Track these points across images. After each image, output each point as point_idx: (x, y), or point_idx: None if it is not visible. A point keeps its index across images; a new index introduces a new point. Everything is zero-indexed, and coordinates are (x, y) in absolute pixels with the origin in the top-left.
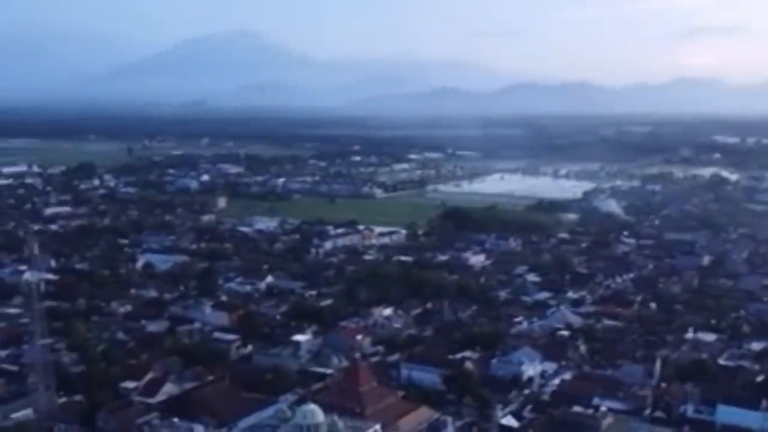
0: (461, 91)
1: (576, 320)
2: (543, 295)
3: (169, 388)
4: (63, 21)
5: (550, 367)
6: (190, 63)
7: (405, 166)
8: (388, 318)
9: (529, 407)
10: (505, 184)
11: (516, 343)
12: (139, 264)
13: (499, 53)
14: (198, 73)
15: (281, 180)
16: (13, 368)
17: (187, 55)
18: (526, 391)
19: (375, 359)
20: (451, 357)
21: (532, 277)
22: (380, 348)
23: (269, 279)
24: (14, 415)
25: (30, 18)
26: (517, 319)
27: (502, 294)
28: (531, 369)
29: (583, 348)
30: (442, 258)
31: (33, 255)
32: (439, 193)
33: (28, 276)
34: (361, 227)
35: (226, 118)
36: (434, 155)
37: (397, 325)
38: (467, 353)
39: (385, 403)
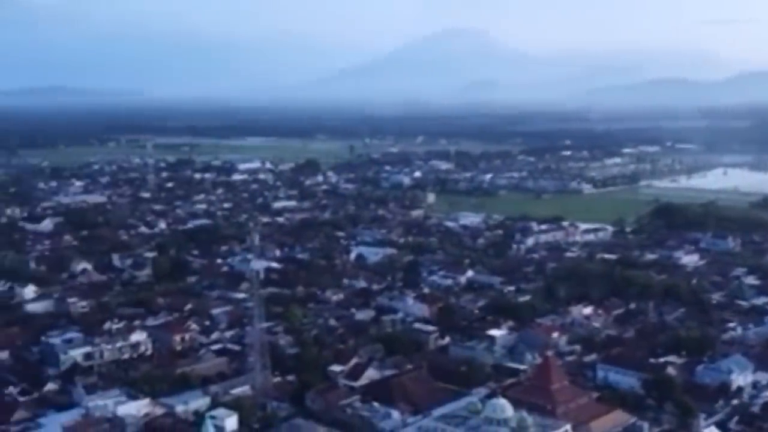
0: (686, 81)
1: None
2: (762, 300)
3: (371, 374)
4: (297, 27)
5: (764, 377)
6: (411, 63)
7: (618, 160)
8: (587, 317)
9: (735, 419)
10: (727, 180)
11: (727, 350)
12: (352, 256)
13: (730, 41)
14: (418, 72)
15: (488, 176)
16: (236, 348)
17: (408, 56)
18: (734, 402)
19: (570, 358)
20: (652, 361)
21: (751, 280)
22: (577, 347)
23: (470, 273)
24: (234, 391)
25: (267, 26)
26: (730, 325)
27: (716, 297)
28: (741, 378)
29: None
30: (651, 257)
31: (255, 245)
32: (653, 189)
33: (253, 264)
34: (565, 223)
35: (441, 116)
36: (651, 149)
37: (596, 325)
38: (671, 358)
39: (578, 403)
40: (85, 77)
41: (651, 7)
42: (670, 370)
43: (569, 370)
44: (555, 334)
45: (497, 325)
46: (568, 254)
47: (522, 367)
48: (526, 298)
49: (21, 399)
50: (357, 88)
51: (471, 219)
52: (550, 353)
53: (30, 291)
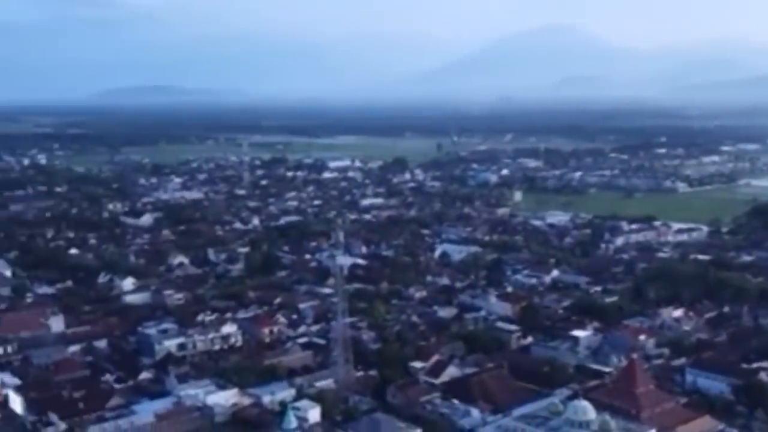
0: None
1: None
2: None
3: (451, 371)
4: (391, 26)
5: None
6: (503, 59)
7: (715, 158)
8: (677, 319)
9: None
10: None
11: None
12: (437, 253)
13: None
14: (511, 69)
15: (578, 174)
16: (321, 342)
17: (501, 52)
18: None
19: (658, 362)
20: (744, 366)
21: None
22: (665, 350)
23: (555, 273)
24: (317, 384)
25: (361, 26)
26: None
27: None
28: None
29: None
30: (747, 258)
31: (339, 242)
32: (751, 188)
33: (338, 261)
34: (657, 223)
35: (532, 113)
36: (750, 147)
37: (687, 328)
38: (764, 363)
39: (663, 407)
40: (189, 77)
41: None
42: (763, 376)
43: (656, 373)
44: (642, 337)
45: (582, 326)
46: (660, 255)
47: (606, 369)
48: (614, 298)
49: (117, 386)
50: (450, 86)
51: (558, 218)
52: (636, 356)
53: (129, 283)
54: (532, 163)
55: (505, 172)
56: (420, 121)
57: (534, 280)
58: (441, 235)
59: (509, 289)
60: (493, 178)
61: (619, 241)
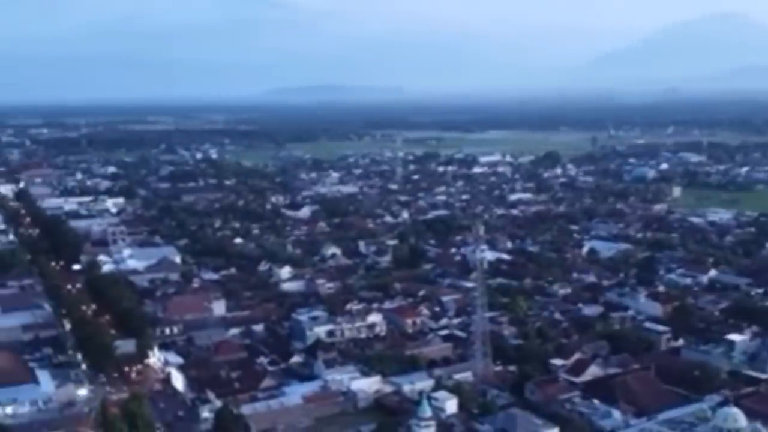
0: None
1: None
2: None
3: (593, 370)
4: (551, 18)
5: None
6: (667, 49)
7: None
8: None
9: None
10: None
11: None
12: (584, 250)
13: None
14: (675, 59)
15: (745, 169)
16: (462, 335)
17: (664, 42)
18: None
19: None
20: None
21: None
22: None
23: (713, 273)
24: (456, 376)
25: (520, 19)
26: None
27: None
28: None
29: None
30: None
31: (479, 236)
32: None
33: (477, 255)
34: None
35: (697, 105)
36: None
37: None
38: None
39: None
40: (352, 76)
41: None
42: None
43: None
44: None
45: (739, 330)
46: None
47: (764, 376)
48: None
49: (270, 368)
50: (609, 77)
51: (720, 215)
52: None
53: (286, 272)
54: (694, 157)
55: (664, 166)
56: (576, 115)
57: (689, 280)
58: (590, 231)
59: (661, 289)
60: (651, 173)
61: None
